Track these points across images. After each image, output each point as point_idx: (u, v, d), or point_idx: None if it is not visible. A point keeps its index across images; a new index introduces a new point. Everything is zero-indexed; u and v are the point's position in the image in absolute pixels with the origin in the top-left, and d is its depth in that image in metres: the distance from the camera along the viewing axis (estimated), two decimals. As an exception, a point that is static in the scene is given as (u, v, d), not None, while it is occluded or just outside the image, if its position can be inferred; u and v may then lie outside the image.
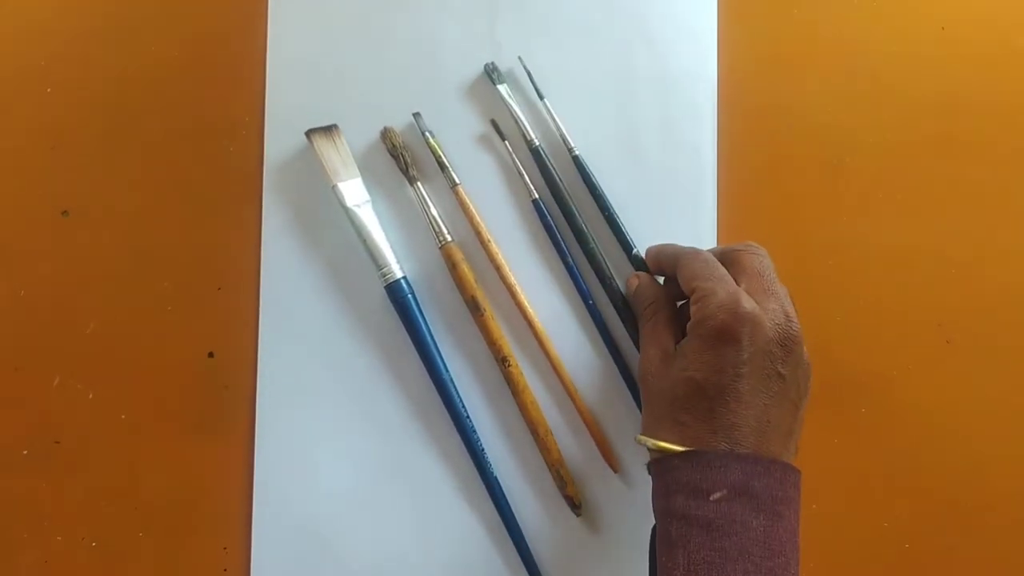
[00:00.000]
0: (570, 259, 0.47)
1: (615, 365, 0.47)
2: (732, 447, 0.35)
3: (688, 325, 0.38)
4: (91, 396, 0.47)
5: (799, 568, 0.35)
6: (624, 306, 0.46)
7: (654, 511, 0.37)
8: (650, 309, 0.42)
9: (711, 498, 0.34)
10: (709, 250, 0.41)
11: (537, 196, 0.47)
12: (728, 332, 0.36)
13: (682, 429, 0.36)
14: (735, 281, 0.38)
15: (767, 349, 0.36)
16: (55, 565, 0.46)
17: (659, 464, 0.37)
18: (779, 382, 0.36)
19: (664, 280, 0.44)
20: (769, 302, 0.37)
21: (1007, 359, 0.48)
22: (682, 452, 0.36)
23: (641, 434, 0.39)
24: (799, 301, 0.39)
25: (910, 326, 0.48)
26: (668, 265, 0.43)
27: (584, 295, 0.47)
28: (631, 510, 0.46)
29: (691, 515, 0.34)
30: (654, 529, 0.37)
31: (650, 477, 0.38)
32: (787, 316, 0.37)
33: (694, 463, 0.35)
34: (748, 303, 0.36)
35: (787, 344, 0.37)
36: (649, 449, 0.38)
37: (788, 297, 0.38)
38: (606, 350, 0.47)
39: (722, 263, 0.39)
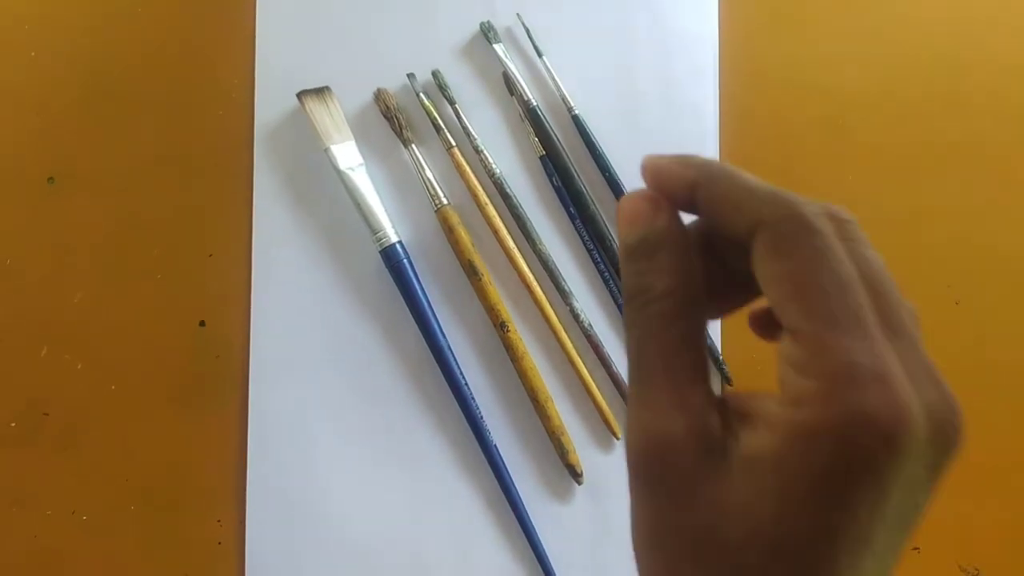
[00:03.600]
0: (578, 221, 0.46)
1: (616, 329, 0.46)
2: None
3: (790, 417, 0.18)
4: (80, 367, 0.46)
5: None
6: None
7: None
8: (655, 308, 0.20)
9: None
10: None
11: (544, 153, 0.46)
12: (871, 459, 0.18)
13: None
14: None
15: (916, 473, 0.19)
16: (45, 539, 0.45)
17: None
18: (916, 517, 0.20)
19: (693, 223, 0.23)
20: (924, 380, 0.19)
21: (1016, 320, 0.47)
22: None
23: None
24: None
25: (918, 287, 0.47)
26: (737, 228, 0.20)
27: (592, 255, 0.45)
28: (634, 477, 0.45)
29: None
30: None
31: None
32: (951, 409, 0.19)
33: None
34: (909, 394, 0.18)
35: (941, 459, 0.19)
36: None
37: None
38: (607, 313, 0.46)
39: None
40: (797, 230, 0.19)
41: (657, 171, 0.21)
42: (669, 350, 0.20)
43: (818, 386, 0.18)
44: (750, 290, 0.21)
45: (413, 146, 0.46)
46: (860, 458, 0.18)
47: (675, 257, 0.20)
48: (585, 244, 0.46)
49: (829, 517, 0.18)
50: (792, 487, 0.18)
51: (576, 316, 0.45)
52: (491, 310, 0.45)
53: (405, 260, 0.45)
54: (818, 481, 0.18)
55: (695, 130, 0.47)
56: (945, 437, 0.19)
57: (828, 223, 0.19)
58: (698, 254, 0.21)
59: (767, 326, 0.21)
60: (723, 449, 0.19)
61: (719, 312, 0.23)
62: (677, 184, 0.20)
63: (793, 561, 0.18)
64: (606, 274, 0.46)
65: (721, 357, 0.45)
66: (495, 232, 0.45)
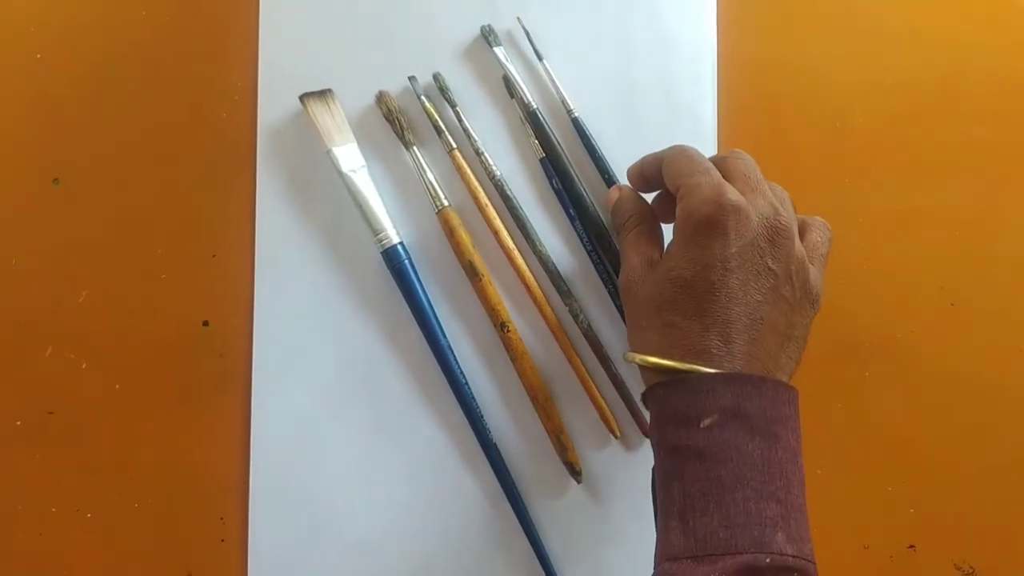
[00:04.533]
0: (577, 222, 0.46)
1: (615, 330, 0.46)
2: (725, 345, 0.34)
3: (674, 225, 0.37)
4: (84, 366, 0.46)
5: (804, 489, 0.33)
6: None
7: (652, 449, 0.36)
8: (631, 221, 0.40)
9: (701, 425, 0.32)
10: None
11: (544, 155, 0.46)
12: (714, 224, 0.34)
13: (671, 331, 0.35)
14: None
15: (754, 242, 0.35)
16: (50, 537, 0.46)
17: (650, 394, 0.36)
18: (770, 277, 0.35)
19: (653, 199, 0.42)
20: (756, 197, 0.36)
21: (1010, 322, 0.47)
22: (668, 380, 0.34)
23: (629, 351, 0.37)
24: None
25: (913, 289, 0.47)
26: (653, 172, 0.40)
27: (591, 256, 0.46)
28: (632, 475, 0.46)
29: (682, 445, 0.33)
30: (654, 469, 0.36)
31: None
32: (774, 209, 0.36)
33: (681, 389, 0.34)
34: (733, 194, 0.35)
35: (775, 237, 0.35)
36: (640, 369, 0.37)
37: (784, 197, 0.38)
38: (606, 313, 0.46)
39: None
40: (679, 150, 0.39)
41: (636, 171, 0.42)
42: (635, 236, 0.39)
43: (685, 200, 0.36)
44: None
45: (414, 148, 0.46)
46: (706, 220, 0.35)
47: (631, 203, 0.41)
48: (584, 245, 0.46)
49: (699, 254, 0.35)
50: (679, 248, 0.35)
51: (575, 316, 0.46)
52: (491, 310, 0.46)
53: (406, 261, 0.45)
54: (689, 238, 0.35)
55: (694, 132, 0.47)
56: (773, 227, 0.35)
57: (701, 153, 0.38)
58: (650, 204, 0.42)
59: (664, 214, 0.41)
60: (658, 262, 0.37)
61: (665, 219, 0.42)
62: (639, 177, 0.42)
63: (687, 285, 0.35)
64: (605, 275, 0.46)
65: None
66: (495, 233, 0.46)
